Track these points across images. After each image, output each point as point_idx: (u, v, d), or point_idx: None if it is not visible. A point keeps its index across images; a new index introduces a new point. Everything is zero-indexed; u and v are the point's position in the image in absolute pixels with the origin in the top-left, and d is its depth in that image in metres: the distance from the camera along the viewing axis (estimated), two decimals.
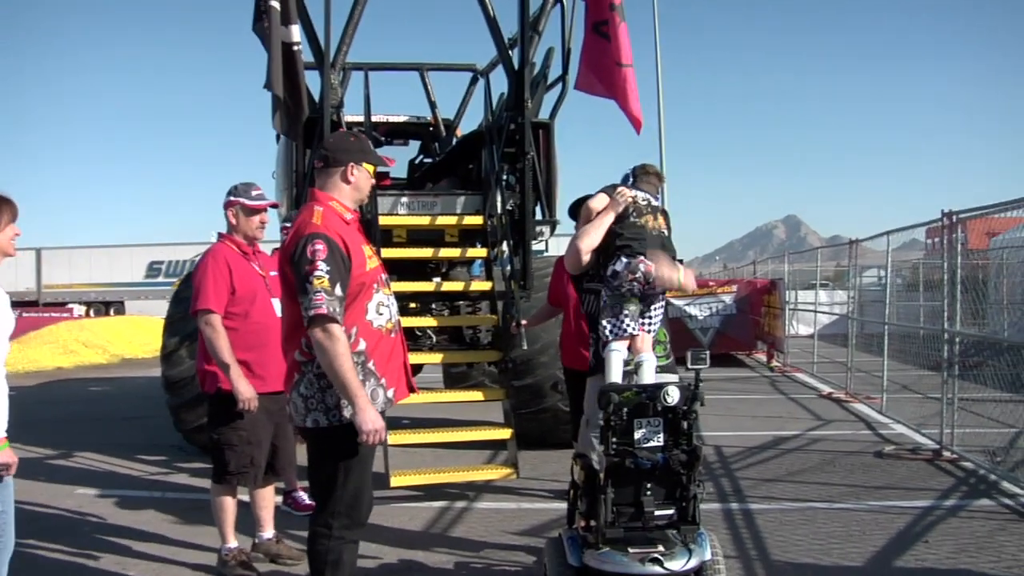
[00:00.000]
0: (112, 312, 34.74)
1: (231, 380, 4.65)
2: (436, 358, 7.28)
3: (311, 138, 6.98)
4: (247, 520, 5.19)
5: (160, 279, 36.36)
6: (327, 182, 3.66)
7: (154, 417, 10.03)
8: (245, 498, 5.12)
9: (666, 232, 4.36)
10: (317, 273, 3.30)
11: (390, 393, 3.64)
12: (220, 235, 5.04)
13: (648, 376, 4.13)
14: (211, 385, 4.83)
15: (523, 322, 5.95)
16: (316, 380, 3.46)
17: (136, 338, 21.54)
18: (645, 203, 4.40)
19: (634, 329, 4.24)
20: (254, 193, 5.00)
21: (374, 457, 3.69)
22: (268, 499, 5.18)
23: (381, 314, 3.62)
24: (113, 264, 36.82)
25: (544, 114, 7.60)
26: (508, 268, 7.26)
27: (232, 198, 4.96)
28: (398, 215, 7.58)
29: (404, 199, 7.73)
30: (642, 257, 4.22)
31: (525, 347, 6.90)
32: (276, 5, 6.23)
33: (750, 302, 16.78)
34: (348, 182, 3.63)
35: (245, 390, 4.65)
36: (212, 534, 5.12)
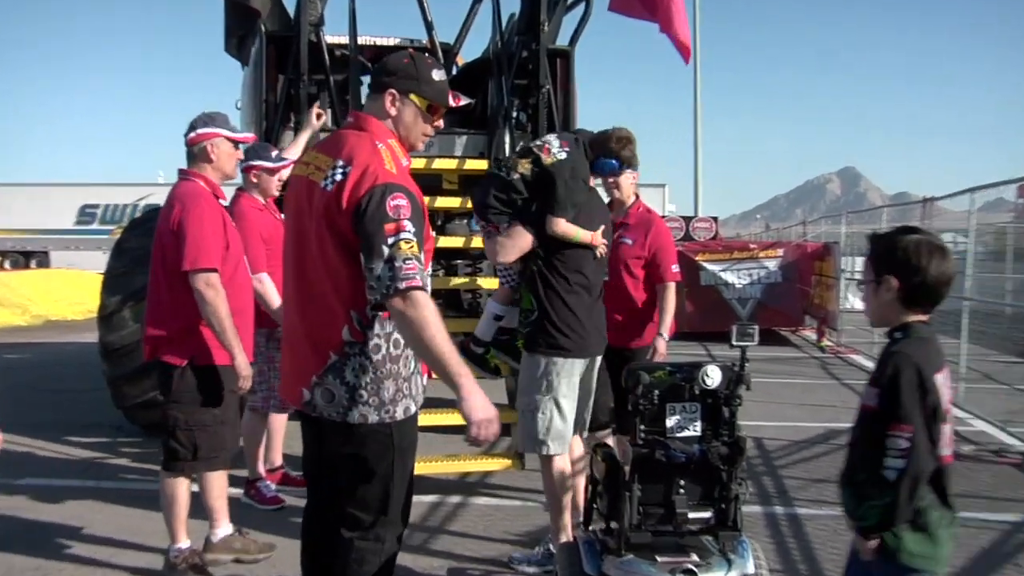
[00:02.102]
0: (34, 264, 34.60)
1: (231, 352, 4.70)
2: None
3: (285, 61, 6.95)
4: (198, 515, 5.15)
5: (95, 226, 36.15)
6: (374, 111, 3.48)
7: (87, 391, 10.05)
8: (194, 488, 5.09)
9: (517, 175, 4.99)
10: (405, 235, 3.11)
11: (425, 379, 3.58)
12: (185, 173, 4.96)
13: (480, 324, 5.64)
14: (181, 355, 4.78)
15: None
16: (372, 367, 3.31)
17: (64, 295, 21.51)
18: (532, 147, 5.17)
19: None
20: (232, 123, 5.01)
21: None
22: (223, 487, 5.14)
23: (429, 285, 3.48)
24: (37, 207, 36.55)
25: (563, 40, 7.57)
26: None
27: (210, 129, 4.89)
28: None
29: None
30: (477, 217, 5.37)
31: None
32: None
33: (798, 269, 16.80)
34: (388, 115, 3.45)
35: (245, 366, 4.75)
36: (156, 532, 5.11)
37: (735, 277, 16.46)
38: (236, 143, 4.99)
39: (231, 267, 4.84)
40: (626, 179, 5.82)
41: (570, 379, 4.92)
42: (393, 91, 3.42)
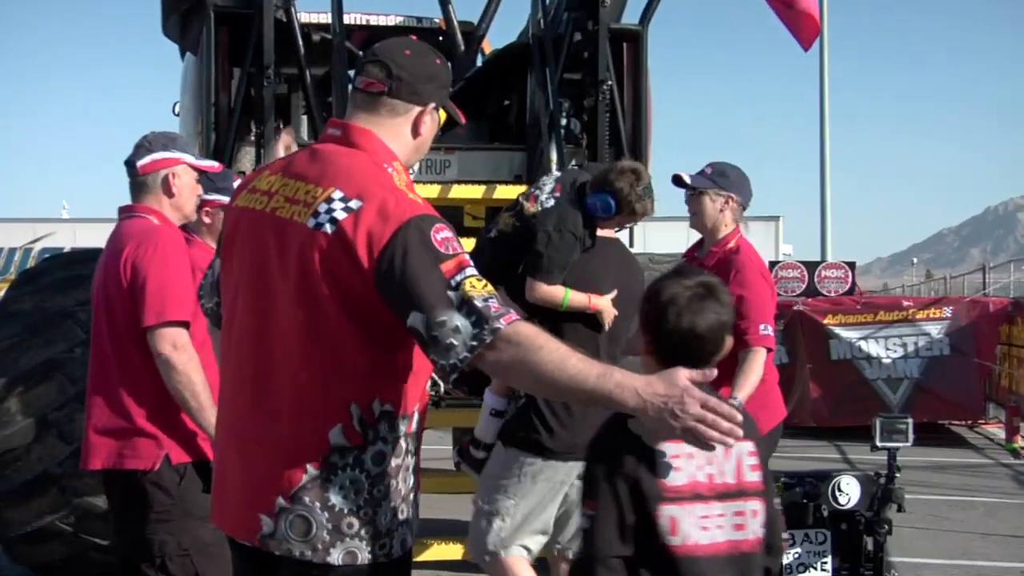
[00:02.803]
0: None
1: (212, 436, 4.62)
2: (445, 418, 7.32)
3: (243, 49, 7.11)
4: None
5: None
6: (384, 123, 3.41)
7: None
8: None
9: (495, 232, 5.62)
10: (471, 272, 3.07)
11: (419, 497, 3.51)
12: (131, 210, 5.02)
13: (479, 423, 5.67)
14: (148, 453, 4.75)
15: None
16: (368, 484, 3.22)
17: None
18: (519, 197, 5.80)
19: None
20: (192, 147, 5.18)
21: None
22: None
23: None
24: None
25: (631, 18, 7.71)
26: None
27: (171, 154, 4.99)
28: None
29: None
30: None
31: None
32: None
33: (975, 336, 16.69)
34: (418, 133, 3.45)
35: None
36: None
37: (882, 348, 16.36)
38: (199, 173, 5.12)
39: (202, 328, 4.81)
40: (712, 205, 5.79)
41: (548, 485, 5.18)
42: (434, 104, 3.44)
